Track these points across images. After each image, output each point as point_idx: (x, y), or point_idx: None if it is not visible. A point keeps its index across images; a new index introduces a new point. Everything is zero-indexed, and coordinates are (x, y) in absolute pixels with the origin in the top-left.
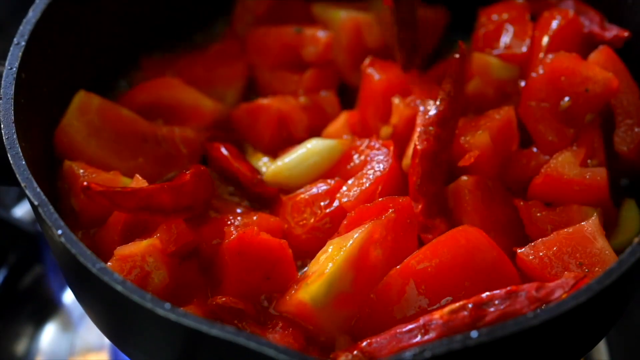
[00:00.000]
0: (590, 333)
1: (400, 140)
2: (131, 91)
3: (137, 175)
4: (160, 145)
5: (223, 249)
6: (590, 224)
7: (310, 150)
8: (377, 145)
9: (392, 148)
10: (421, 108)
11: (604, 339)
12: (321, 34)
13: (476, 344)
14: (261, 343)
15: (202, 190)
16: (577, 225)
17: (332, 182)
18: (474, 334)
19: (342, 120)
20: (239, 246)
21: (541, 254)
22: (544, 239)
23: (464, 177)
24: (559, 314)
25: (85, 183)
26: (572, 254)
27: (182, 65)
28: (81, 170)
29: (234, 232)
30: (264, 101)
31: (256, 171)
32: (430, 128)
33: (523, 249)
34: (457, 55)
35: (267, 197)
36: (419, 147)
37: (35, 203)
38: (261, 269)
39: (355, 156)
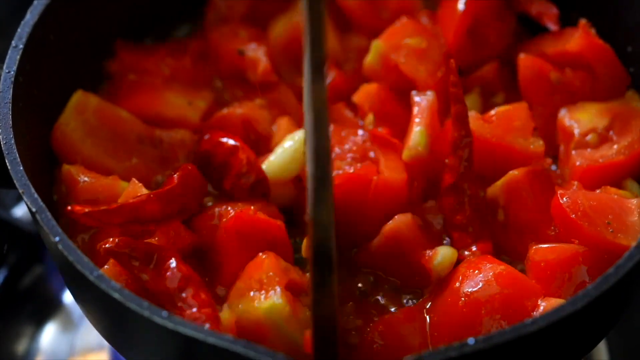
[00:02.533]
0: (588, 337)
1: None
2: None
3: (134, 180)
4: (156, 147)
5: (221, 228)
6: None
7: (291, 145)
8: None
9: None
10: (417, 99)
11: (604, 339)
12: (262, 59)
13: (473, 351)
14: (259, 351)
15: (192, 192)
16: (624, 193)
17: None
18: (470, 341)
19: (284, 126)
20: (236, 224)
21: (579, 201)
22: (586, 192)
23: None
24: (556, 320)
25: (69, 207)
26: (606, 212)
27: (159, 59)
28: (80, 175)
29: (231, 211)
30: (225, 110)
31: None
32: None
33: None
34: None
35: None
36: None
37: (33, 210)
38: (259, 248)
39: (350, 142)
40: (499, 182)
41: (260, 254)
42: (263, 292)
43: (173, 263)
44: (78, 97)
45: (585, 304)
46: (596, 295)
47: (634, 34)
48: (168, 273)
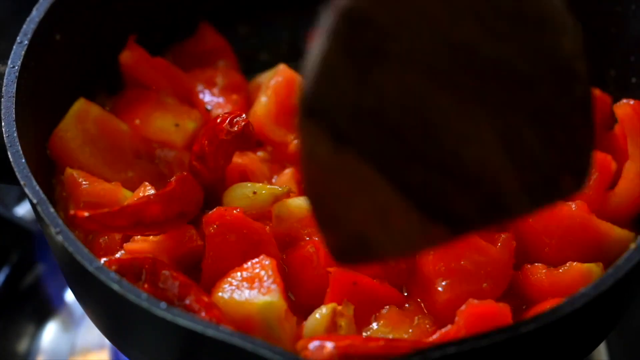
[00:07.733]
0: (587, 339)
1: None
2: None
3: (145, 183)
4: (153, 162)
5: (202, 224)
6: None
7: None
8: None
9: None
10: None
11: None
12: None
13: (470, 349)
14: (256, 344)
15: (190, 195)
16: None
17: None
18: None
19: (288, 175)
20: (216, 219)
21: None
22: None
23: None
24: (555, 320)
25: (71, 212)
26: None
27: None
28: (82, 179)
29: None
30: None
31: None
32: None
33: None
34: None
35: None
36: None
37: (34, 201)
38: (240, 247)
39: None
40: None
41: (263, 255)
42: (262, 287)
43: (166, 273)
44: (80, 106)
45: (583, 304)
46: (595, 295)
47: None
48: (162, 284)
